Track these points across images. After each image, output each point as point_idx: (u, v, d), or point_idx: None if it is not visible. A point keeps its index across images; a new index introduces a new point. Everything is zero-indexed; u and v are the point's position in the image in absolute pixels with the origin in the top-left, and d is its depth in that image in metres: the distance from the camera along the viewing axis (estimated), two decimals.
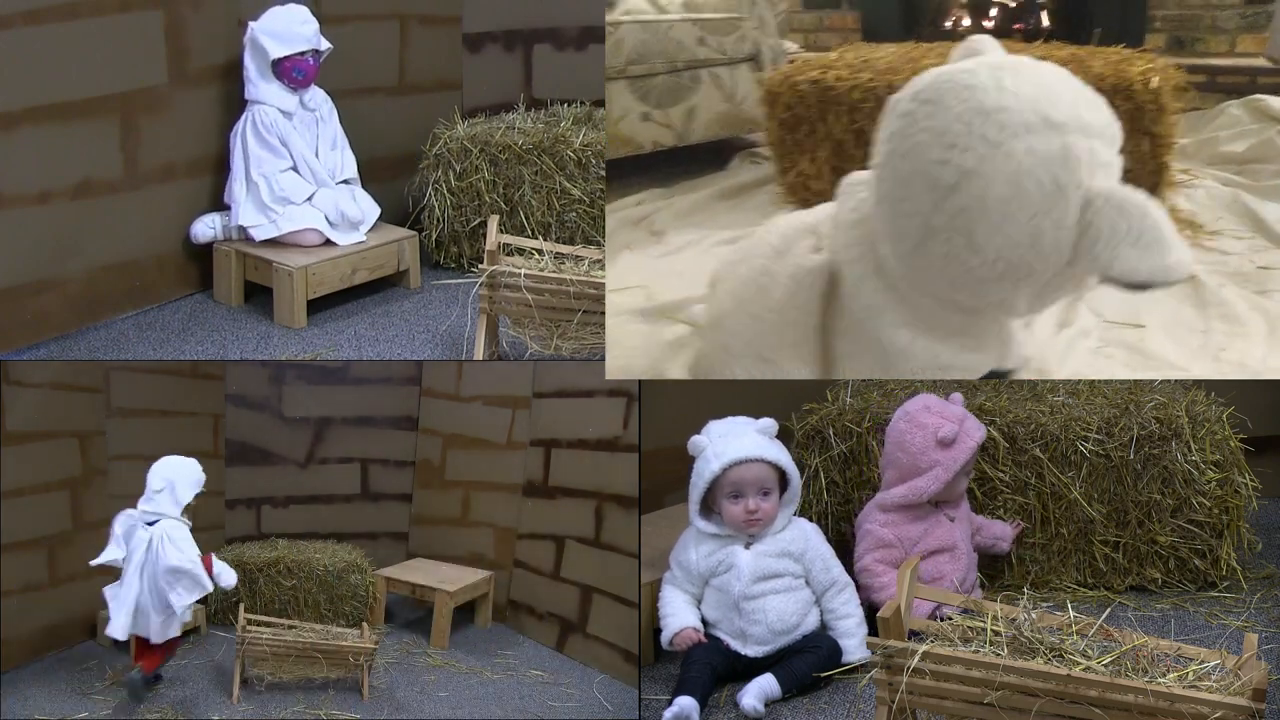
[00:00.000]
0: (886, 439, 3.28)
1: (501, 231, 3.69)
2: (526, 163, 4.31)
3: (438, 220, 4.42)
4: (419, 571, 4.62)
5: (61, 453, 4.05)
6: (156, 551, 3.37)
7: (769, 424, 3.14)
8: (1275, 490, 3.73)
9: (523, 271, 3.58)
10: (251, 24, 4.09)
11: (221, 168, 4.20)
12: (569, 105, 4.63)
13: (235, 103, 4.19)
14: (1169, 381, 3.45)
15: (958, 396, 3.27)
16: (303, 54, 4.12)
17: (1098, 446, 3.34)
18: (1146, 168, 3.98)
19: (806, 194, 4.33)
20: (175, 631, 3.46)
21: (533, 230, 4.30)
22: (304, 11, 4.15)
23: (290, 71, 4.12)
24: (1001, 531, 3.35)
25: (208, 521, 4.81)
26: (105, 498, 4.20)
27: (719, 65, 4.84)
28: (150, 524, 3.41)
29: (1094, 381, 3.47)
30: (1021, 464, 3.38)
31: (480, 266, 3.64)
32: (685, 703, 2.86)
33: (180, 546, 3.39)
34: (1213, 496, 3.34)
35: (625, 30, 4.71)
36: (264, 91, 4.12)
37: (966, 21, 6.03)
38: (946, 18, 6.12)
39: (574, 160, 4.28)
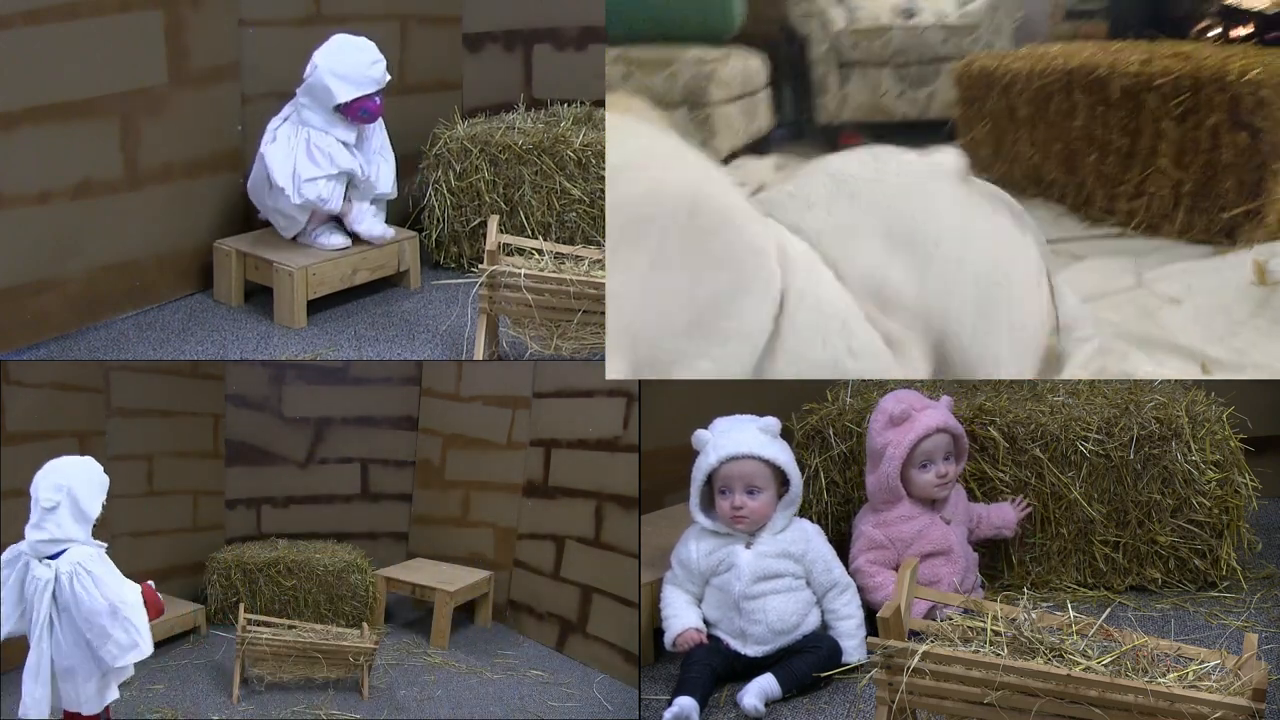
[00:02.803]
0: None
1: (501, 231, 3.69)
2: (526, 163, 4.31)
3: (438, 220, 4.41)
4: (419, 571, 4.62)
5: (61, 453, 4.02)
6: (72, 593, 2.55)
7: (771, 422, 3.13)
8: (1275, 490, 3.73)
9: (523, 271, 3.58)
10: (316, 59, 3.93)
11: (222, 167, 4.19)
12: (569, 105, 4.63)
13: (235, 103, 4.19)
14: (1169, 381, 3.45)
15: (947, 399, 3.26)
16: (370, 95, 4.00)
17: (1098, 446, 3.34)
18: (1249, 163, 3.71)
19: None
20: (114, 695, 2.64)
21: (533, 230, 4.30)
22: (373, 50, 3.99)
23: (356, 112, 3.99)
24: (1002, 519, 3.34)
25: (208, 522, 4.82)
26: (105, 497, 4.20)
27: (954, 61, 5.64)
28: (52, 557, 2.59)
29: (1094, 381, 3.47)
30: (1021, 464, 3.38)
31: (480, 266, 3.64)
32: (685, 703, 2.86)
33: (103, 581, 2.57)
34: (1213, 496, 3.34)
35: (894, 31, 6.01)
36: (323, 123, 3.99)
37: (1217, 30, 5.43)
38: (1196, 25, 5.59)
39: (574, 160, 4.28)
